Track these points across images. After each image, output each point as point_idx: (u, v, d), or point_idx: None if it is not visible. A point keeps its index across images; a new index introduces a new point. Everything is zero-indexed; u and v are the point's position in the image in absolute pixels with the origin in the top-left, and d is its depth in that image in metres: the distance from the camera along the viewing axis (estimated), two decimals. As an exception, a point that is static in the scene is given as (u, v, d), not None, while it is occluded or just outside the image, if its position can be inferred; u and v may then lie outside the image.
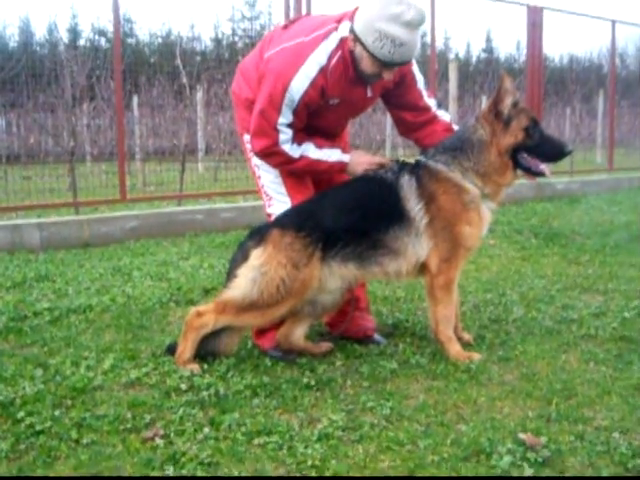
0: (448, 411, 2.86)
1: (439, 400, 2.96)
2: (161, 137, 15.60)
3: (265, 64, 3.30)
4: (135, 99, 17.57)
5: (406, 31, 3.05)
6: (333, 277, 3.36)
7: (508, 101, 3.31)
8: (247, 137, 3.51)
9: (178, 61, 9.71)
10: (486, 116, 3.35)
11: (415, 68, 3.49)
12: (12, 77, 14.12)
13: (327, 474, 2.33)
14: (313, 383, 3.13)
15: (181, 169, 9.08)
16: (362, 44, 3.11)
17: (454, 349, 3.45)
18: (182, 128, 10.61)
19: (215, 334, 3.35)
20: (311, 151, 3.40)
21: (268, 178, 3.56)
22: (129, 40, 30.96)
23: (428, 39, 10.12)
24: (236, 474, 2.34)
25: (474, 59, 43.07)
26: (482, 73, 22.89)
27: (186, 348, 3.29)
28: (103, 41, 32.85)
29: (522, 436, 2.55)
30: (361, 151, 3.65)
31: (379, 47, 3.08)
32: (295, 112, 3.24)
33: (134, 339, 3.73)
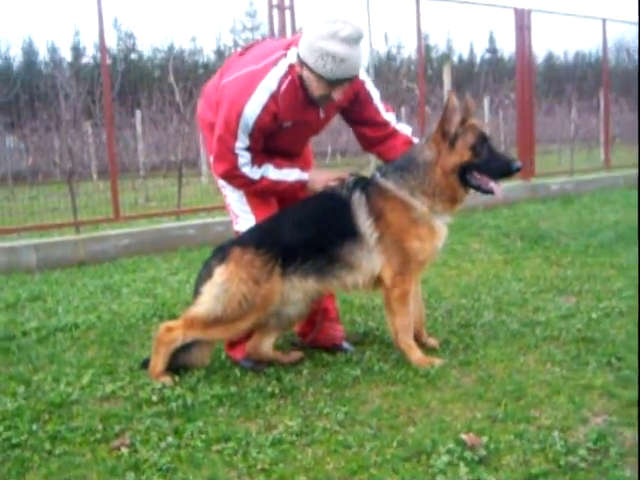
0: (400, 415, 3.02)
1: (394, 404, 3.12)
2: (164, 152, 15.87)
3: (221, 91, 3.49)
4: (138, 115, 17.90)
5: (345, 47, 3.20)
6: (295, 291, 3.53)
7: (455, 120, 3.45)
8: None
9: (171, 78, 9.93)
10: (434, 136, 3.50)
11: (369, 84, 3.65)
12: (15, 98, 14.48)
13: (274, 477, 2.50)
14: (277, 391, 3.30)
15: (179, 184, 9.30)
16: (307, 66, 3.28)
17: (415, 355, 3.61)
18: (179, 142, 10.83)
19: (186, 347, 3.54)
20: (270, 172, 3.58)
21: (233, 197, 3.75)
22: (132, 56, 31.35)
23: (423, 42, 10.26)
24: (191, 479, 2.52)
25: (478, 59, 43.17)
26: (486, 74, 23.04)
27: (158, 362, 3.47)
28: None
29: (464, 436, 2.71)
30: (321, 169, 3.81)
31: (322, 66, 3.24)
32: (251, 136, 3.42)
33: (114, 354, 3.92)
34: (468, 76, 26.90)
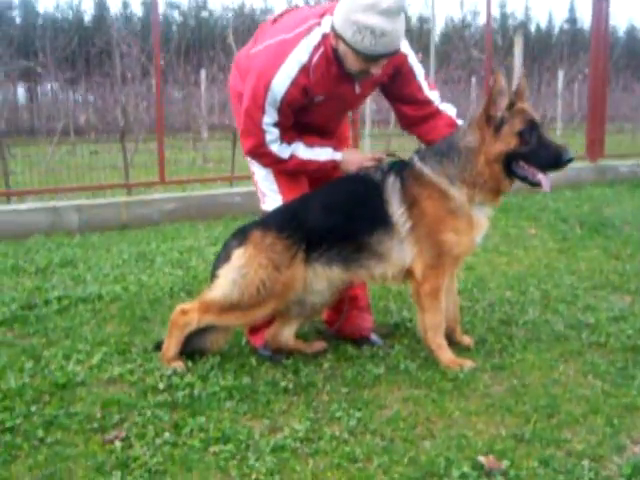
0: (418, 425, 2.77)
1: (413, 412, 2.88)
2: (226, 113, 15.73)
3: (250, 61, 3.24)
4: (203, 73, 17.78)
5: (385, 19, 2.90)
6: (318, 279, 3.30)
7: (501, 104, 3.12)
8: None
9: (230, 38, 9.68)
10: (478, 121, 3.18)
11: (412, 59, 3.34)
12: (84, 52, 14.52)
13: (268, 490, 2.30)
14: (291, 387, 3.10)
15: (233, 148, 9.09)
16: (343, 39, 2.99)
17: (445, 356, 3.34)
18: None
19: (202, 331, 3.36)
20: (301, 151, 3.33)
21: (260, 174, 3.52)
22: (203, 14, 31.24)
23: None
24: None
25: (556, 30, 41.43)
26: (563, 45, 22.06)
27: (170, 345, 3.31)
28: (176, 14, 33.28)
29: (482, 459, 2.45)
30: (355, 149, 3.53)
31: (359, 40, 2.95)
32: (279, 111, 3.17)
33: (132, 331, 3.79)
34: (544, 47, 25.75)
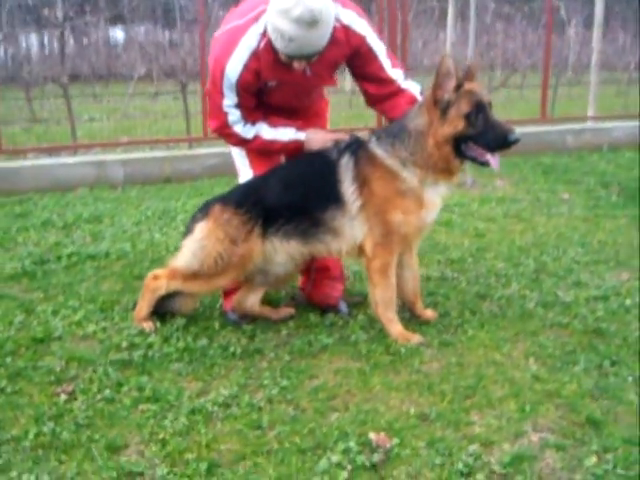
0: (337, 397, 2.95)
1: (339, 383, 3.06)
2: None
3: (212, 44, 3.40)
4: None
5: (295, 27, 2.99)
6: (277, 252, 3.49)
7: (448, 86, 3.15)
8: None
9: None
10: (427, 103, 3.23)
11: (371, 39, 3.38)
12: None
13: (167, 449, 2.56)
14: (239, 352, 3.34)
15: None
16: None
17: (395, 329, 3.48)
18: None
19: (172, 295, 3.64)
20: (264, 131, 3.48)
21: (235, 151, 3.71)
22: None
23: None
24: (97, 437, 2.64)
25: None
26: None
27: (142, 307, 3.61)
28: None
29: (372, 436, 2.62)
30: (320, 129, 3.64)
31: (273, 39, 3.10)
32: (237, 94, 3.32)
33: (124, 290, 4.11)
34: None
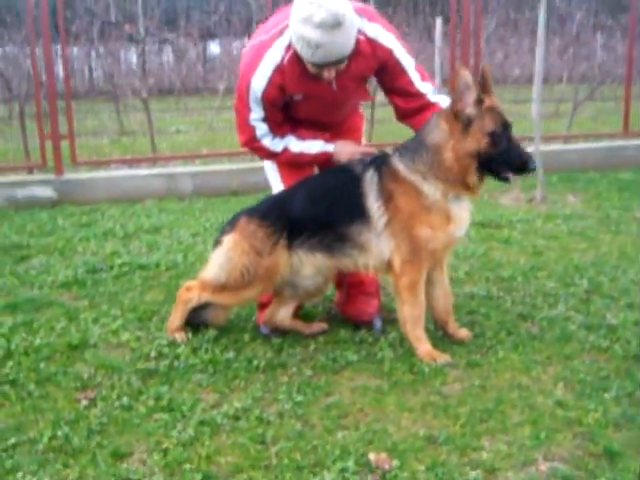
0: (349, 415, 2.92)
1: (354, 401, 3.02)
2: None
3: (241, 59, 3.46)
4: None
5: (319, 32, 2.99)
6: (304, 265, 3.50)
7: (469, 99, 3.08)
8: None
9: None
10: (446, 116, 3.16)
11: (399, 52, 3.35)
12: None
13: (168, 458, 2.60)
14: (262, 365, 3.34)
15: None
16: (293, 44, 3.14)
17: (422, 348, 3.41)
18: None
19: (204, 306, 3.70)
20: (293, 144, 3.51)
21: (267, 164, 3.76)
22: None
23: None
24: (105, 443, 2.71)
25: None
26: None
27: (175, 318, 3.69)
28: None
29: (372, 457, 2.57)
30: (349, 141, 3.63)
31: (300, 48, 3.11)
32: (264, 108, 3.36)
33: (165, 300, 4.19)
34: None
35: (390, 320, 3.86)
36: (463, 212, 3.32)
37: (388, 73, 3.40)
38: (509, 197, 6.97)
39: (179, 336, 3.63)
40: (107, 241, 5.47)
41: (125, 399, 3.04)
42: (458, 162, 3.15)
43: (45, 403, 3.05)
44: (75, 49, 14.83)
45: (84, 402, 3.04)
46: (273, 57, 3.25)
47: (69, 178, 7.02)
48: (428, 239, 3.29)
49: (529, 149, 3.05)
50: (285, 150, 3.51)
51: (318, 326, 3.79)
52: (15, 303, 4.15)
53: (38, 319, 3.91)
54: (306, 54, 3.11)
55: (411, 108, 3.49)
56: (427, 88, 3.46)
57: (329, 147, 3.52)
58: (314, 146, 3.51)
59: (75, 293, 4.38)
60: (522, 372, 3.24)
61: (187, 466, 2.55)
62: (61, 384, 3.21)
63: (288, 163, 3.59)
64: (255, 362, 3.38)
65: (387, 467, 2.51)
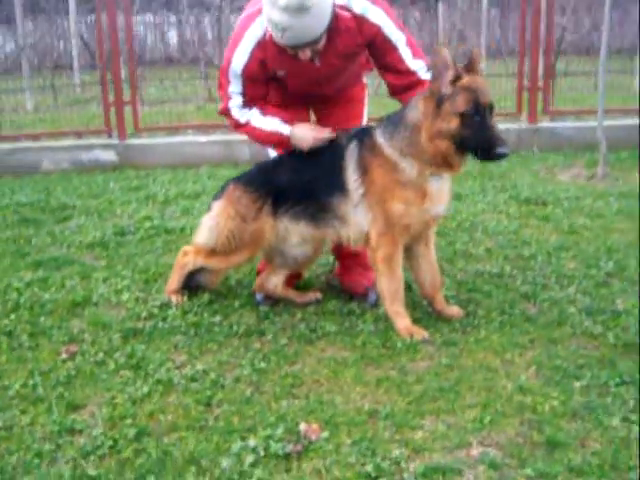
0: (303, 384, 2.94)
1: (314, 371, 3.04)
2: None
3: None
4: None
5: (286, 16, 2.97)
6: (289, 233, 3.53)
7: (445, 77, 2.97)
8: None
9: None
10: (426, 94, 3.08)
11: (388, 29, 3.26)
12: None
13: (115, 413, 2.72)
14: (241, 331, 3.42)
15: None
16: None
17: (401, 323, 3.37)
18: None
19: (199, 270, 3.81)
20: (254, 118, 3.50)
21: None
22: None
23: None
24: (66, 395, 2.87)
25: None
26: None
27: (173, 280, 3.82)
28: None
29: (303, 426, 2.58)
30: (308, 124, 3.58)
31: (270, 30, 3.11)
32: (243, 82, 3.39)
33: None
34: None
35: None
36: (441, 189, 3.24)
37: (377, 49, 3.34)
38: (569, 173, 6.65)
39: (174, 298, 3.76)
40: (147, 205, 5.68)
41: (101, 355, 3.20)
42: (431, 142, 3.07)
43: (31, 354, 3.25)
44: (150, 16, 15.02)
45: (64, 355, 3.21)
46: (255, 32, 3.26)
47: (131, 143, 7.31)
48: (401, 214, 3.23)
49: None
50: (247, 122, 3.51)
51: (311, 295, 3.80)
52: (40, 261, 4.42)
53: (54, 276, 4.14)
54: (276, 36, 3.11)
55: (402, 85, 3.41)
56: (418, 65, 3.36)
57: (284, 129, 3.46)
58: (270, 123, 3.47)
59: (97, 254, 4.59)
60: (496, 354, 3.14)
61: (128, 421, 2.67)
62: (52, 338, 3.41)
63: (251, 136, 3.60)
64: (235, 327, 3.45)
65: (314, 437, 2.52)
